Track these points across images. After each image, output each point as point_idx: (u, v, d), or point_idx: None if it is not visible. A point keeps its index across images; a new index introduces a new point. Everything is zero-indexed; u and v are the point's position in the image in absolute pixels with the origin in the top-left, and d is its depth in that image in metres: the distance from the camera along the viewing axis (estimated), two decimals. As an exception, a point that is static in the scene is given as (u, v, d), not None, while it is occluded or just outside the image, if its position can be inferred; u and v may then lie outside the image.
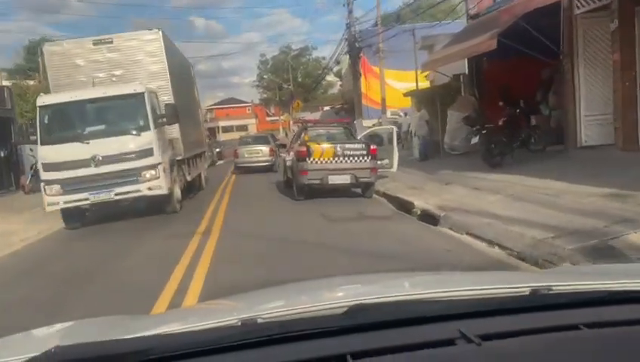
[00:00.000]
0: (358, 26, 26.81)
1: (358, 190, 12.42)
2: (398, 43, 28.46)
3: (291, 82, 55.13)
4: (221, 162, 30.59)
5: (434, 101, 18.89)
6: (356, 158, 11.57)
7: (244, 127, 75.57)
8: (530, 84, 15.91)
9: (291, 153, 13.33)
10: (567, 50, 11.64)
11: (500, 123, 12.81)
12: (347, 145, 11.64)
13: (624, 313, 1.27)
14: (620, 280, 1.49)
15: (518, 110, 13.26)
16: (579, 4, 11.21)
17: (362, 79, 37.95)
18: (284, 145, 15.31)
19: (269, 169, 21.08)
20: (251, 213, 11.31)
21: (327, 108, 61.04)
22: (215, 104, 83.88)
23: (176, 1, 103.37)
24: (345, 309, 1.25)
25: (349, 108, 37.43)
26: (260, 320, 1.27)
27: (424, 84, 28.44)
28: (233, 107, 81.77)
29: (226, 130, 79.89)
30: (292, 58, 68.12)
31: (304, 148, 11.61)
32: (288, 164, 13.25)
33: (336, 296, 1.69)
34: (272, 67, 72.82)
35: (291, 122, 52.30)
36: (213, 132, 79.16)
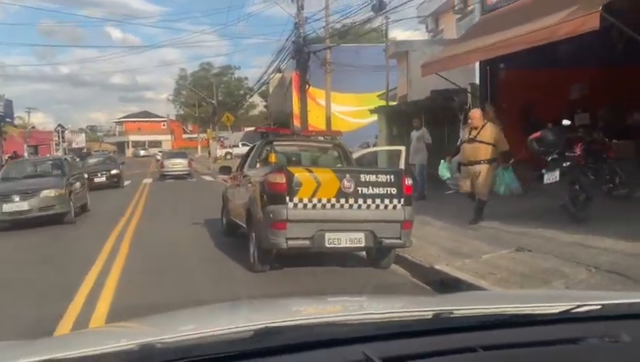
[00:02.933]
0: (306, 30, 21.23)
1: (362, 253, 6.76)
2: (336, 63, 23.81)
3: (215, 97, 48.63)
4: (128, 182, 23.57)
5: (408, 119, 13.75)
6: (378, 201, 5.89)
7: (157, 143, 67.74)
8: (561, 102, 11.24)
9: (242, 185, 7.39)
10: None
11: (578, 152, 7.70)
12: (362, 176, 5.87)
13: (519, 336, 1.28)
14: (519, 304, 1.49)
15: (593, 134, 8.29)
16: None
17: (294, 97, 32.74)
18: (227, 169, 9.07)
19: (188, 175, 26.63)
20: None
21: (249, 128, 55.28)
22: (125, 117, 74.89)
23: (90, 11, 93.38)
24: (251, 333, 1.23)
25: (278, 128, 31.84)
26: (158, 345, 1.20)
27: (365, 106, 23.71)
28: (146, 121, 73.39)
29: (138, 145, 71.36)
30: (214, 76, 61.91)
31: (281, 178, 5.73)
32: (241, 202, 7.22)
33: (245, 319, 1.58)
34: (191, 83, 66.03)
35: (211, 140, 45.90)
36: (121, 147, 70.68)
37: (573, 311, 1.37)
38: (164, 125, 75.89)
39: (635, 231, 6.35)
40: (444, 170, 8.68)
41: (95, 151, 43.78)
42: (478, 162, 7.93)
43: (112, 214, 12.24)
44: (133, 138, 73.38)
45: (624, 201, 8.10)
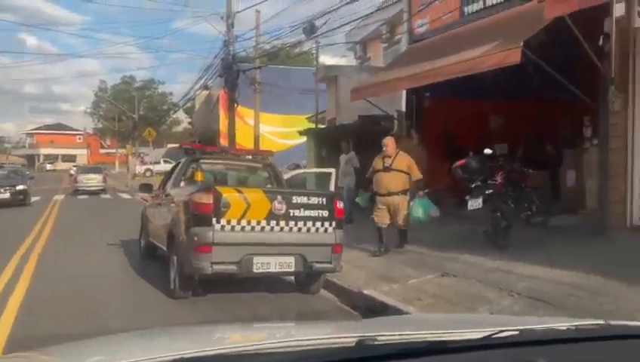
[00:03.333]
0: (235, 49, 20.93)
1: (291, 278, 6.52)
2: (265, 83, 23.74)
3: (136, 111, 46.74)
4: (36, 199, 21.82)
5: (337, 143, 13.85)
6: (310, 223, 5.70)
7: (72, 158, 63.92)
8: (482, 131, 11.76)
9: (164, 204, 6.93)
10: (618, 81, 7.31)
11: (500, 180, 7.98)
12: (294, 198, 5.66)
13: None
14: (443, 330, 1.51)
15: (514, 162, 8.65)
16: (644, 13, 7.04)
17: (222, 115, 32.17)
18: (147, 187, 8.53)
19: (102, 191, 26.66)
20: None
21: (173, 145, 53.57)
22: (38, 128, 70.31)
23: (3, 15, 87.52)
24: None
25: (204, 145, 31.04)
26: None
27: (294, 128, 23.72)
28: (60, 134, 69.22)
29: (49, 158, 66.98)
30: (136, 89, 59.73)
31: (207, 198, 5.40)
32: (162, 223, 6.75)
33: (161, 349, 1.56)
34: (111, 96, 63.30)
35: (130, 156, 43.92)
36: (32, 160, 66.01)
37: (494, 336, 1.40)
38: (79, 138, 71.92)
39: (552, 258, 6.61)
40: (361, 201, 8.55)
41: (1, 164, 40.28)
42: (397, 192, 7.71)
43: (14, 237, 10.98)
44: (45, 151, 68.83)
45: (540, 228, 8.48)
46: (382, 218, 7.81)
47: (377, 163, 7.93)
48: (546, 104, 11.03)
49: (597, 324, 1.49)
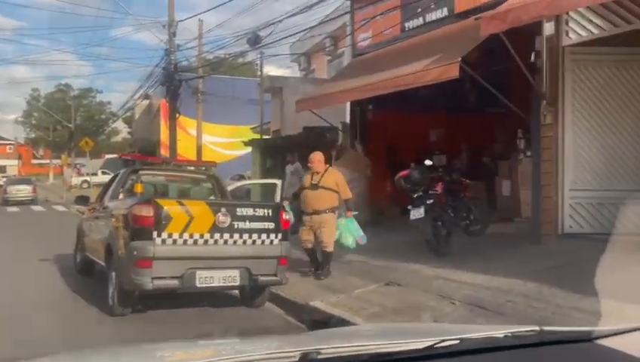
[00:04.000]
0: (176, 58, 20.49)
1: (235, 291, 6.40)
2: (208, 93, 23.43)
3: (73, 121, 44.88)
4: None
5: (283, 153, 13.87)
6: (255, 236, 5.62)
7: (2, 168, 60.43)
8: (424, 143, 12.12)
9: (102, 217, 6.64)
10: (549, 95, 7.72)
11: (439, 190, 8.21)
12: (239, 210, 5.57)
13: None
14: (387, 341, 1.52)
15: (452, 173, 8.92)
16: (570, 32, 7.49)
17: (162, 125, 31.42)
18: (84, 199, 8.16)
19: (32, 201, 27.16)
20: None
21: (111, 155, 51.70)
22: (-38, 137, 66.20)
23: None
24: None
25: (145, 156, 30.17)
26: None
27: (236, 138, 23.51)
28: (-12, 143, 65.45)
29: (-24, 170, 63.05)
30: (72, 98, 57.36)
31: (148, 211, 5.22)
32: (99, 237, 6.45)
33: None
34: (45, 104, 60.42)
35: (65, 167, 42.03)
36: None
37: (436, 346, 1.42)
38: (10, 148, 68.15)
39: (489, 265, 6.84)
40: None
41: None
42: (323, 211, 7.04)
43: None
44: (-30, 161, 64.77)
45: (478, 237, 8.77)
46: (306, 238, 7.12)
47: (306, 179, 7.40)
48: (482, 117, 11.48)
49: (533, 331, 1.54)
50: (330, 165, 11.51)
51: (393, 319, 5.35)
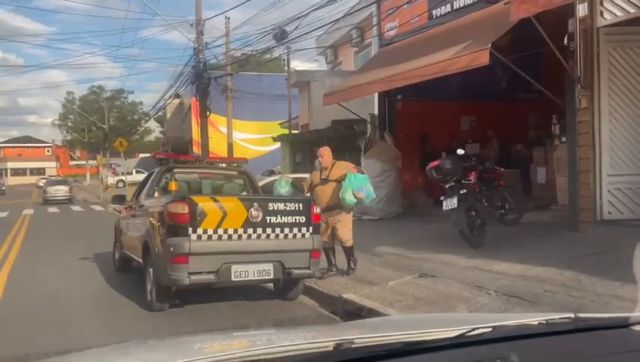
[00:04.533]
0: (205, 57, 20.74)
1: (269, 285, 6.49)
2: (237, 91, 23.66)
3: (106, 122, 45.99)
4: (3, 214, 21.22)
5: (311, 148, 13.91)
6: (287, 230, 5.69)
7: (41, 171, 62.40)
8: (453, 132, 11.98)
9: (138, 215, 6.83)
10: (583, 79, 7.52)
11: (473, 180, 8.11)
12: (270, 204, 5.65)
13: None
14: (419, 331, 1.52)
15: (485, 161, 8.78)
16: (605, 13, 7.26)
17: (194, 123, 31.87)
18: (120, 198, 8.39)
19: (69, 200, 29.48)
20: None
21: (145, 155, 52.81)
22: (4, 142, 68.55)
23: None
24: None
25: (177, 154, 30.67)
26: None
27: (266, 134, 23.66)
28: (28, 147, 67.60)
29: (17, 172, 65.33)
30: (105, 99, 58.78)
31: (183, 208, 5.34)
32: (137, 234, 6.65)
33: (140, 361, 1.58)
34: (80, 106, 62.10)
35: (102, 167, 43.13)
36: (-1, 174, 64.32)
37: (467, 334, 1.43)
38: (48, 151, 70.36)
39: (526, 254, 6.74)
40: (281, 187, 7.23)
41: None
42: (336, 206, 6.76)
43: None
44: (12, 165, 67.05)
45: (514, 226, 8.63)
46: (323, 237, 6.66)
47: (315, 176, 7.13)
48: (515, 103, 11.27)
49: (567, 318, 1.53)
50: (360, 157, 11.59)
51: (427, 310, 5.33)
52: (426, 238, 8.84)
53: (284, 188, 7.15)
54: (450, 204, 7.59)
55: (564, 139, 8.43)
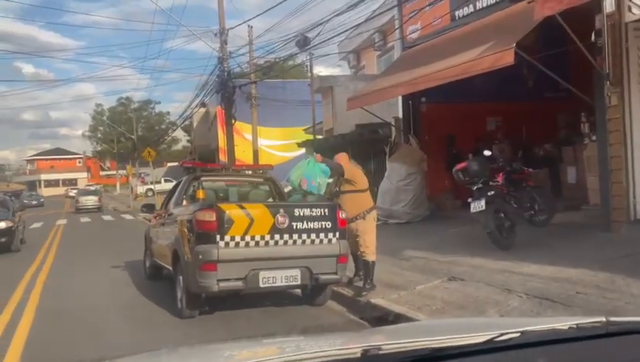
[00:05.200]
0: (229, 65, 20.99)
1: (297, 291, 6.51)
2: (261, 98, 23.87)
3: (135, 132, 46.92)
4: (38, 225, 21.80)
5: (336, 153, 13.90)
6: (314, 235, 5.71)
7: (72, 181, 64.03)
8: (479, 133, 11.83)
9: (167, 224, 6.95)
10: (613, 76, 7.35)
11: (501, 181, 8.00)
12: (296, 210, 5.69)
13: None
14: (447, 336, 1.50)
15: (512, 162, 8.66)
16: (633, 8, 7.09)
17: (220, 132, 32.22)
18: (150, 207, 8.56)
19: (98, 209, 32.32)
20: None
21: (172, 163, 53.62)
22: (37, 154, 70.53)
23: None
24: None
25: (204, 163, 31.10)
26: None
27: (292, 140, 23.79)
28: (60, 158, 69.43)
29: (50, 184, 67.11)
30: (133, 110, 59.95)
31: (210, 215, 5.41)
32: (166, 243, 6.77)
33: None
34: (109, 118, 63.45)
35: (131, 177, 43.99)
36: (32, 186, 66.19)
37: (496, 339, 1.42)
38: (79, 162, 72.13)
39: (557, 256, 6.61)
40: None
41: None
42: (358, 216, 6.32)
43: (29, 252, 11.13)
44: (45, 177, 68.99)
45: (544, 227, 8.47)
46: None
47: (332, 186, 6.61)
48: (542, 102, 11.09)
49: (598, 322, 1.50)
50: (385, 161, 11.56)
51: (457, 315, 5.27)
52: (454, 241, 8.75)
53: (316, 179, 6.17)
54: (478, 206, 7.50)
55: (594, 138, 8.26)
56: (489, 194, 7.53)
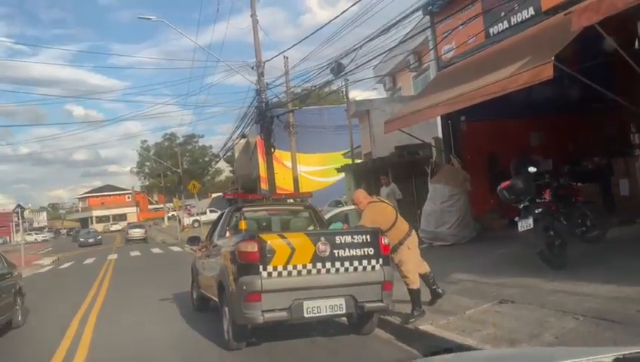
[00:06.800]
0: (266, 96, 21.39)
1: (343, 319, 6.43)
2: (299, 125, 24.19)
3: (180, 166, 48.26)
4: (90, 261, 22.55)
5: (375, 176, 13.82)
6: (356, 263, 5.65)
7: (122, 216, 66.12)
8: (523, 150, 11.48)
9: (212, 255, 7.04)
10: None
11: (548, 198, 7.72)
12: (337, 238, 5.65)
13: None
14: None
15: (560, 178, 8.36)
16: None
17: (260, 161, 32.70)
18: (195, 239, 8.72)
19: (144, 241, 37.61)
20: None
21: (217, 194, 54.66)
22: (88, 192, 73.35)
23: (49, 89, 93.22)
24: None
25: (245, 193, 31.62)
26: None
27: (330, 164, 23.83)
28: (110, 195, 71.94)
29: (101, 220, 69.46)
30: (178, 145, 61.82)
31: (252, 246, 5.45)
32: (211, 274, 6.85)
33: None
34: (155, 153, 65.58)
35: (178, 209, 45.07)
36: (85, 223, 68.74)
37: None
38: (128, 197, 74.47)
39: (613, 273, 6.29)
40: None
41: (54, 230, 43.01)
42: (395, 247, 6.20)
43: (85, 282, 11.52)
44: (96, 213, 71.51)
45: (598, 243, 8.10)
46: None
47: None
48: (586, 114, 10.73)
49: None
50: (427, 182, 11.38)
51: (510, 339, 5.05)
52: (502, 262, 8.47)
53: None
54: (525, 224, 7.26)
55: (645, 148, 7.92)
56: (536, 211, 7.28)
